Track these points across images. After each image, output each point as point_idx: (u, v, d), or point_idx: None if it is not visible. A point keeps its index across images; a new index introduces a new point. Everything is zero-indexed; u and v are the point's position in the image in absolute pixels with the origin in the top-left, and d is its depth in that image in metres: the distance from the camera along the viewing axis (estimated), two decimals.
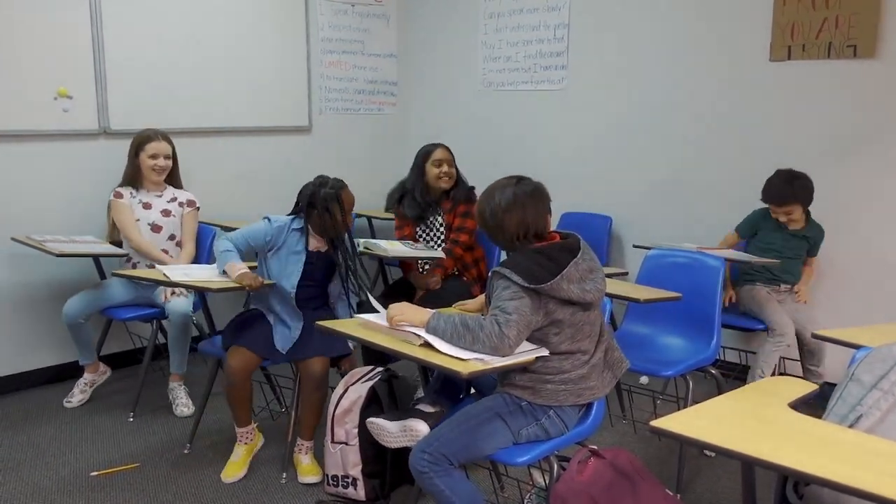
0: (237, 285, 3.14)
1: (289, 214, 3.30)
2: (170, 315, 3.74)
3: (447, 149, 3.97)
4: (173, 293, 3.79)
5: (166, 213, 3.93)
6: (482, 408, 2.39)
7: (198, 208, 4.04)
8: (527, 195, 2.39)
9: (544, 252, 2.32)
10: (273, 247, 3.25)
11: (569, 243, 2.38)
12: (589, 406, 2.51)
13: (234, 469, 3.22)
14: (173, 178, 4.04)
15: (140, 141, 3.91)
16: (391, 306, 2.46)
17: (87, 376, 3.98)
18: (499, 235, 2.41)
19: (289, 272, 3.21)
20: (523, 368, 2.37)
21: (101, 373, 4.04)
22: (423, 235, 4.02)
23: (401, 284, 4.09)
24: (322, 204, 3.19)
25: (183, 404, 3.87)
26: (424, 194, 3.94)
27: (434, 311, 2.41)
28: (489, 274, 2.38)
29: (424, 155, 3.95)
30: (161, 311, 3.82)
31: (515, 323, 2.23)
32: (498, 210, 2.38)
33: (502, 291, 2.28)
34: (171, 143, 3.98)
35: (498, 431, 2.35)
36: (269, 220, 3.27)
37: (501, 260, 2.38)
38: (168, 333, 3.84)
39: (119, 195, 3.89)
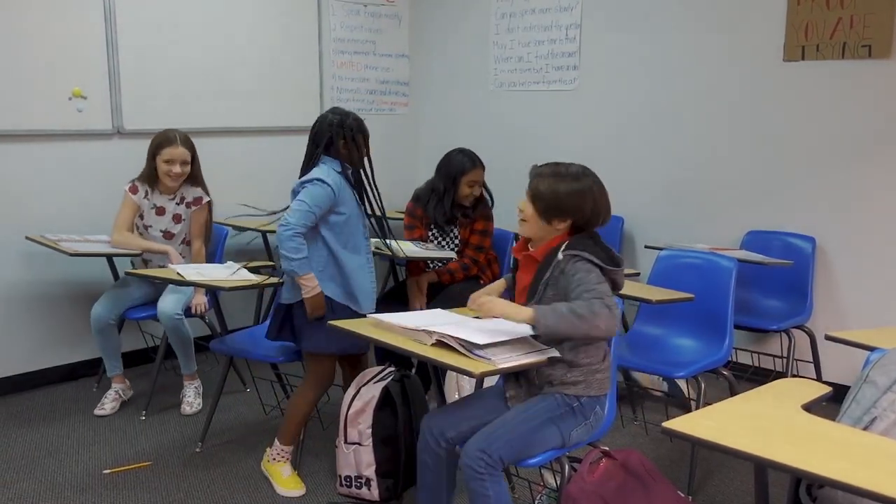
0: (249, 284, 3.15)
1: (312, 156, 3.02)
2: (159, 317, 3.71)
3: (483, 169, 3.94)
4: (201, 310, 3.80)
5: (177, 218, 3.88)
6: (537, 410, 2.35)
7: (208, 203, 3.90)
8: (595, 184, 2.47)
9: (600, 240, 2.40)
10: (333, 207, 2.96)
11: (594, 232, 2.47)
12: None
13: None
14: (195, 179, 3.88)
15: (158, 143, 3.74)
16: (483, 295, 2.43)
17: (116, 386, 3.92)
18: (575, 214, 2.38)
19: (357, 232, 3.03)
20: (570, 364, 2.36)
21: (128, 386, 3.99)
22: (436, 240, 4.01)
23: (404, 285, 4.09)
24: (349, 134, 2.99)
25: (188, 403, 3.87)
26: (452, 206, 3.93)
27: (534, 306, 2.27)
28: (560, 257, 2.34)
29: (461, 171, 3.86)
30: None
31: (614, 304, 2.25)
32: (588, 191, 2.40)
33: (587, 275, 2.28)
34: (190, 146, 3.80)
35: (551, 436, 2.34)
36: (323, 181, 2.90)
37: (567, 244, 2.37)
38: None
39: (134, 189, 3.80)
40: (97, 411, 3.86)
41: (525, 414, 2.34)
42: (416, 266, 3.96)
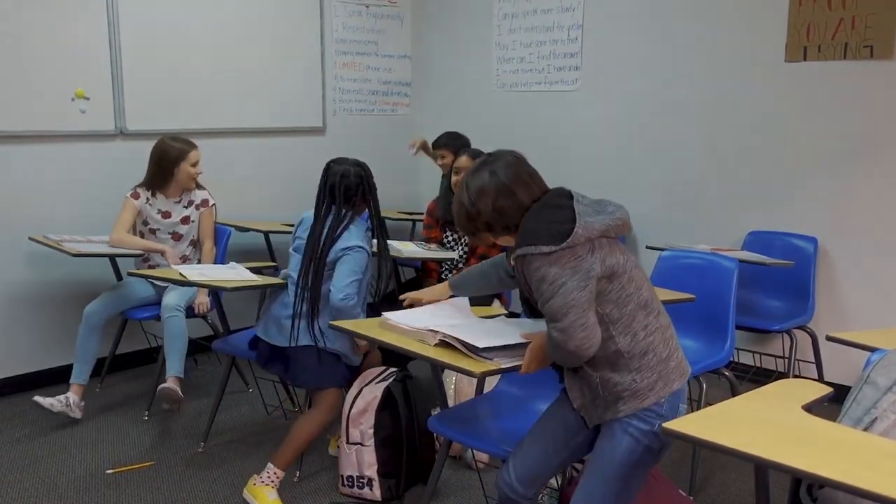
0: (252, 284, 3.16)
1: (339, 213, 2.93)
2: (162, 310, 3.68)
3: None
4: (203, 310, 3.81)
5: (186, 220, 3.93)
6: (621, 460, 2.01)
7: (213, 205, 4.00)
8: (516, 159, 2.08)
9: (547, 206, 1.99)
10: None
11: (555, 189, 2.06)
12: None
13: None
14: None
15: (178, 153, 3.82)
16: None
17: (72, 397, 3.67)
18: (496, 232, 2.05)
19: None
20: (611, 365, 1.98)
21: (81, 407, 3.71)
22: (450, 244, 4.01)
23: (409, 286, 4.10)
24: (372, 183, 2.98)
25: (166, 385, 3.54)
26: None
27: (539, 344, 2.07)
28: (513, 265, 2.06)
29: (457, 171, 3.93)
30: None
31: (572, 326, 1.87)
32: (498, 193, 2.00)
33: (539, 285, 1.91)
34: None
35: (644, 472, 2.08)
36: (363, 248, 2.91)
37: (516, 244, 2.01)
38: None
39: (136, 196, 3.86)
40: (36, 398, 3.58)
41: (615, 473, 2.02)
42: (429, 270, 3.98)
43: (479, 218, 2.03)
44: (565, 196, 2.01)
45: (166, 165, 3.83)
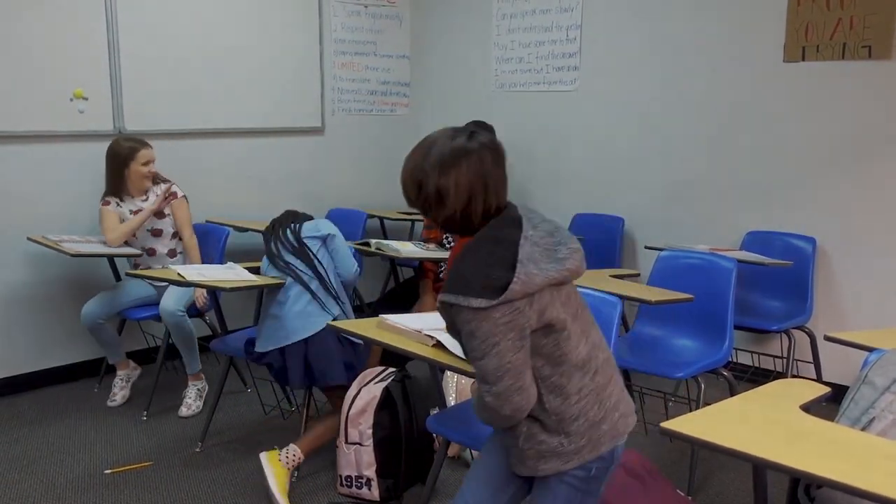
0: (250, 284, 3.17)
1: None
2: (161, 315, 3.74)
3: None
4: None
5: (159, 214, 3.95)
6: None
7: (183, 196, 3.98)
8: (489, 150, 1.75)
9: (488, 238, 1.71)
10: None
11: (508, 216, 1.74)
12: None
13: None
14: (156, 177, 4.00)
15: (128, 152, 3.83)
16: None
17: (120, 373, 4.02)
18: (434, 214, 1.76)
19: None
20: (540, 423, 1.76)
21: (133, 368, 4.09)
22: (450, 244, 4.01)
23: (407, 285, 4.10)
24: None
25: (186, 405, 3.85)
26: None
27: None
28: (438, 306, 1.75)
29: None
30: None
31: (508, 390, 1.67)
32: (445, 175, 1.71)
33: (469, 341, 1.68)
34: (150, 145, 3.95)
35: None
36: (335, 228, 3.40)
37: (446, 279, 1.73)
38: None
39: (107, 203, 3.88)
40: (109, 403, 3.96)
41: None
42: (427, 271, 3.98)
43: (424, 188, 1.74)
44: (515, 224, 1.71)
45: (116, 166, 3.85)
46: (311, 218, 3.35)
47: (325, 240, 3.28)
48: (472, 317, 1.64)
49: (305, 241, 3.23)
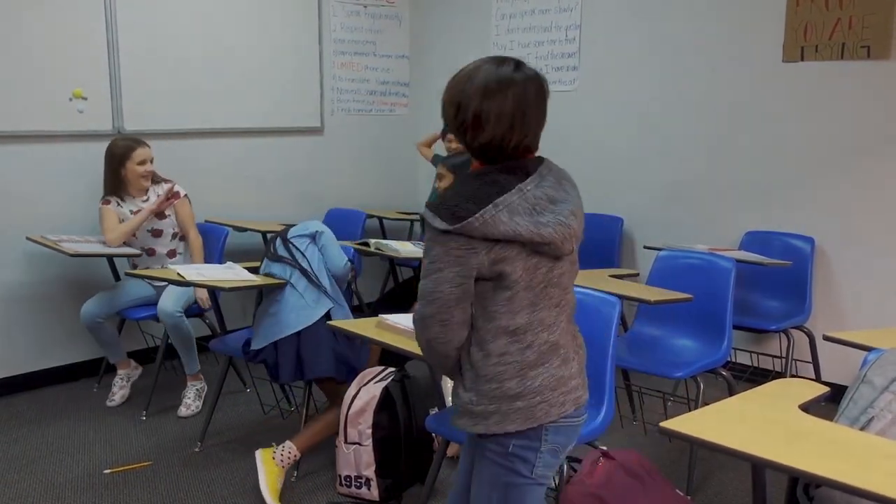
0: (249, 284, 3.17)
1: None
2: (160, 316, 3.75)
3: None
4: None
5: (160, 215, 3.94)
6: (486, 484, 1.84)
7: (185, 195, 4.00)
8: (533, 84, 1.74)
9: (489, 174, 1.70)
10: None
11: (525, 163, 1.73)
12: (598, 402, 2.44)
13: None
14: (153, 177, 3.99)
15: (123, 151, 3.84)
16: None
17: (121, 373, 4.02)
18: (470, 138, 1.73)
19: None
20: (463, 377, 1.78)
21: (134, 367, 4.10)
22: None
23: (406, 285, 4.10)
24: None
25: (186, 405, 3.85)
26: None
27: None
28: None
29: None
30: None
31: (432, 317, 1.68)
32: (487, 100, 1.69)
33: (424, 256, 1.70)
34: (149, 146, 3.93)
35: (526, 498, 1.82)
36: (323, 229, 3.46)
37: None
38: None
39: (107, 202, 3.88)
40: (108, 402, 3.96)
41: (481, 494, 1.85)
42: None
43: (462, 111, 1.71)
44: (521, 173, 1.69)
45: (113, 166, 3.86)
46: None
47: (314, 237, 3.32)
48: (432, 235, 1.67)
49: (293, 240, 3.30)
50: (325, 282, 3.25)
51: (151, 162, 3.92)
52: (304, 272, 3.21)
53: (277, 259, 3.28)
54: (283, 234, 3.36)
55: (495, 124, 1.68)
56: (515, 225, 1.62)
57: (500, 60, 1.75)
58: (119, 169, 3.85)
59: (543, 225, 1.65)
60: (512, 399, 1.73)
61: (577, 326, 1.88)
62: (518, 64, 1.75)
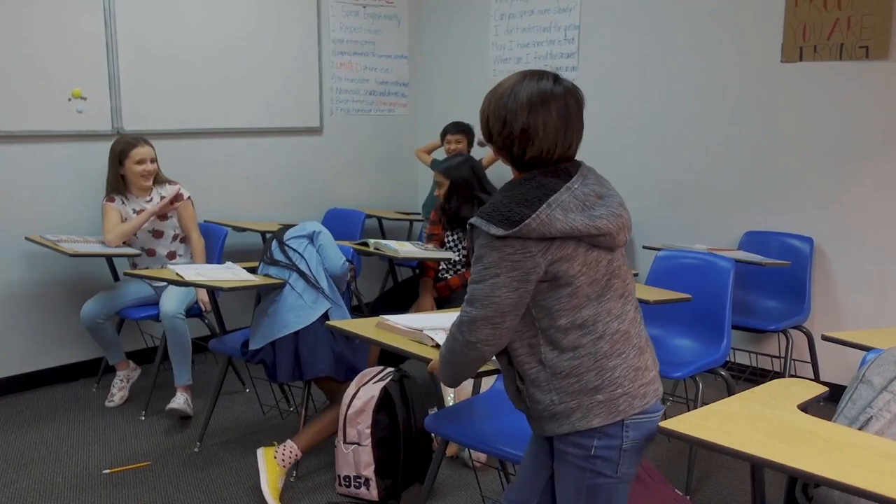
0: (248, 284, 3.17)
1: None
2: (161, 317, 3.71)
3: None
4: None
5: (163, 216, 3.94)
6: (570, 490, 1.84)
7: (188, 198, 3.99)
8: (573, 97, 1.79)
9: (534, 178, 1.75)
10: None
11: (565, 167, 1.79)
12: None
13: None
14: (157, 177, 3.98)
15: (122, 149, 3.83)
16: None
17: (120, 373, 4.01)
18: (518, 151, 1.78)
19: None
20: (533, 381, 1.79)
21: (133, 368, 4.09)
22: (450, 244, 4.01)
23: (406, 285, 4.10)
24: None
25: (175, 402, 3.69)
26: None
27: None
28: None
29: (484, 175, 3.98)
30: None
31: (484, 319, 1.71)
32: (534, 114, 1.74)
33: (477, 262, 1.73)
34: (151, 145, 3.92)
35: (613, 498, 1.82)
36: (321, 226, 3.46)
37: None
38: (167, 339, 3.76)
39: (111, 199, 3.88)
40: (107, 403, 3.95)
41: (567, 498, 1.85)
42: (428, 269, 3.98)
43: (508, 126, 1.76)
44: (565, 174, 1.76)
45: (115, 164, 3.86)
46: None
47: (311, 238, 3.32)
48: (486, 242, 1.70)
49: (290, 242, 3.30)
50: (324, 283, 3.24)
51: (153, 161, 3.90)
52: (302, 274, 3.22)
53: (274, 263, 3.28)
54: (279, 237, 3.35)
55: (543, 138, 1.75)
56: (572, 221, 1.68)
57: (540, 74, 1.80)
58: (119, 167, 3.86)
59: (598, 218, 1.71)
60: (593, 392, 1.74)
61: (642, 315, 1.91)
62: (556, 78, 1.80)
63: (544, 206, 1.67)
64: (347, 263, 3.37)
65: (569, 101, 1.77)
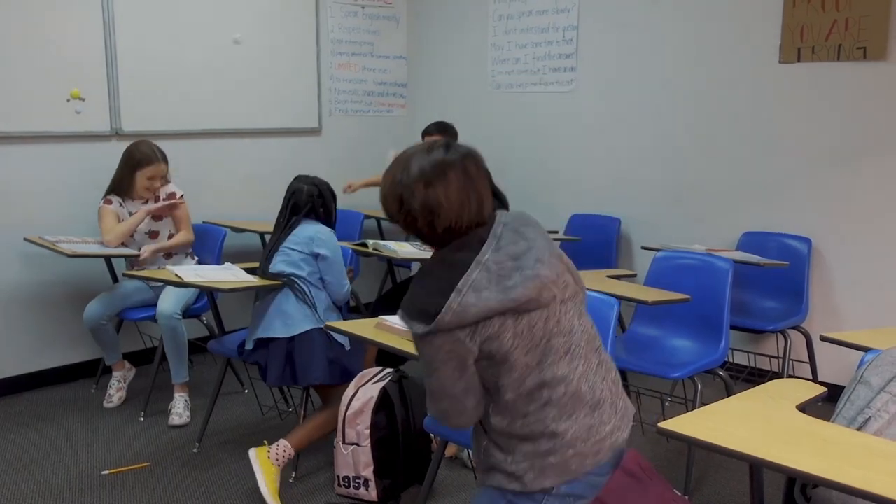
0: (247, 285, 3.18)
1: (289, 221, 3.27)
2: (158, 317, 3.72)
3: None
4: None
5: (158, 217, 3.95)
6: None
7: (181, 196, 3.98)
8: (472, 160, 1.70)
9: (445, 259, 1.67)
10: None
11: (477, 234, 1.67)
12: None
13: None
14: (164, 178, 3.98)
15: (139, 160, 3.82)
16: None
17: (116, 374, 4.01)
18: (424, 227, 1.69)
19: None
20: (493, 439, 1.76)
21: (129, 368, 4.09)
22: None
23: (405, 286, 4.10)
24: (327, 202, 3.34)
25: (177, 413, 3.75)
26: None
27: None
28: None
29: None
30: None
31: (448, 411, 1.71)
32: (431, 187, 1.65)
33: (419, 357, 1.70)
34: (167, 159, 3.92)
35: None
36: (328, 231, 3.30)
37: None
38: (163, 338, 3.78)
39: (109, 202, 3.88)
40: (106, 404, 3.95)
41: None
42: None
43: (406, 204, 1.69)
44: (474, 246, 1.64)
45: (127, 168, 3.85)
46: (313, 205, 3.27)
47: (315, 257, 3.23)
48: (415, 339, 1.66)
49: (290, 249, 3.21)
50: (320, 304, 3.21)
51: (162, 179, 3.90)
52: (299, 290, 3.18)
53: (272, 278, 3.20)
54: (277, 246, 3.24)
55: (448, 209, 1.64)
56: (486, 300, 1.58)
57: (429, 146, 1.71)
58: (131, 173, 3.84)
59: (511, 289, 1.59)
60: (544, 456, 1.70)
61: (600, 342, 1.81)
62: (447, 145, 1.71)
63: (454, 294, 1.57)
64: (349, 287, 3.33)
65: (468, 167, 1.67)
